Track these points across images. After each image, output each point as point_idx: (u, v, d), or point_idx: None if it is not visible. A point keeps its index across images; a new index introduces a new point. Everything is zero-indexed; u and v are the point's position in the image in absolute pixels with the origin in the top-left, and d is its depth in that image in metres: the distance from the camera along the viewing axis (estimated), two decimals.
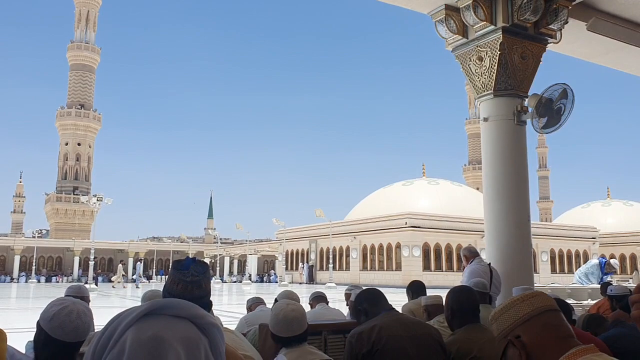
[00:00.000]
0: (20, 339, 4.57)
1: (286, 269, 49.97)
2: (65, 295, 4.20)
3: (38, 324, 2.16)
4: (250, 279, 51.90)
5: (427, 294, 4.90)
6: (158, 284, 52.00)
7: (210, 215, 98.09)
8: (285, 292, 4.09)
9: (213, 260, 57.35)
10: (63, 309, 2.12)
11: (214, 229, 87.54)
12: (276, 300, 4.07)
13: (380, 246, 42.13)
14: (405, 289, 5.50)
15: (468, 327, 2.97)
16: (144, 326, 0.88)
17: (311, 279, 46.18)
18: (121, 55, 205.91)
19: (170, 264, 1.57)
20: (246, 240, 60.20)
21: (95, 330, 3.30)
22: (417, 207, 43.28)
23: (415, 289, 5.33)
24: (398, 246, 40.41)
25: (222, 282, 46.43)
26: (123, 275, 40.74)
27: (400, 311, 4.45)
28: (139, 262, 49.69)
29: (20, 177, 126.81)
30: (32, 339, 4.41)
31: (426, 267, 39.73)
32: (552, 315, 1.28)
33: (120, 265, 43.86)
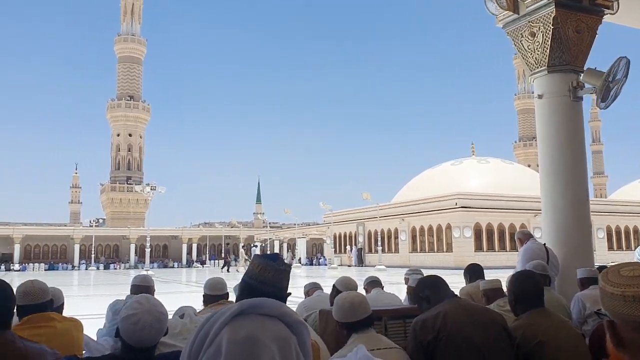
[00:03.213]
0: (88, 326, 4.78)
1: (335, 251, 50.25)
2: (131, 285, 4.38)
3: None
4: (300, 262, 52.50)
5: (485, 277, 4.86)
6: (212, 268, 53.30)
7: (258, 200, 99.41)
8: (343, 279, 4.12)
9: (263, 244, 58.27)
10: (132, 316, 2.11)
11: (263, 213, 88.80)
12: (334, 287, 4.13)
13: (430, 228, 41.75)
14: (457, 271, 5.47)
15: (532, 312, 2.93)
16: (238, 326, 0.93)
17: (360, 262, 46.31)
18: (162, 44, 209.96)
19: (252, 254, 1.52)
20: (294, 224, 60.82)
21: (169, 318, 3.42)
22: (467, 186, 42.62)
23: (473, 272, 5.28)
24: (448, 227, 39.95)
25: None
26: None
27: (458, 294, 4.44)
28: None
29: (76, 168, 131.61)
30: (101, 326, 4.60)
31: (478, 248, 39.16)
32: None
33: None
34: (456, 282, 5.47)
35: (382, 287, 5.16)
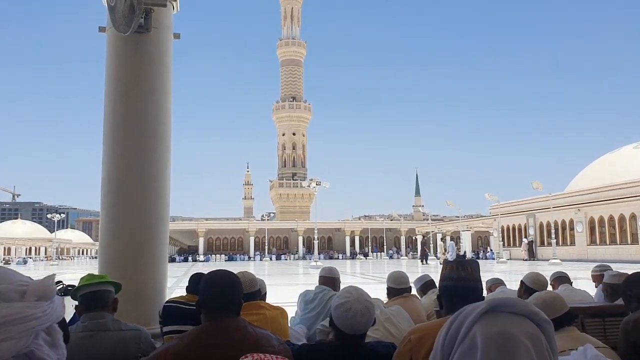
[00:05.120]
0: None
1: (503, 245, 48.03)
2: (319, 276, 4.66)
3: None
4: (465, 256, 51.09)
5: None
6: (375, 260, 54.17)
7: (417, 193, 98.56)
8: (532, 275, 3.97)
9: (425, 238, 57.68)
10: (344, 304, 2.26)
11: (422, 206, 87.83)
12: (522, 282, 4.00)
13: (611, 218, 38.02)
14: None
15: None
16: (489, 322, 0.98)
17: (532, 256, 43.71)
18: (319, 44, 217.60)
19: (448, 247, 1.66)
20: (457, 217, 59.33)
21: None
22: None
23: None
24: (633, 217, 36.05)
25: (437, 259, 46.56)
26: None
27: None
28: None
29: (247, 167, 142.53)
30: (292, 315, 4.93)
31: None
32: None
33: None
34: None
35: (571, 283, 4.88)
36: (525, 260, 42.52)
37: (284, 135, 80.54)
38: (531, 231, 45.67)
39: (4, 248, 76.42)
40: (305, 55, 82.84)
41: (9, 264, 56.03)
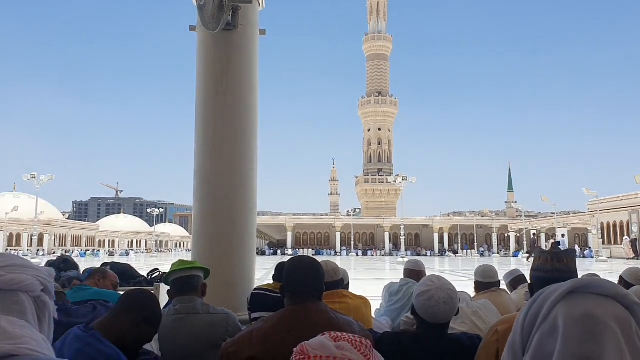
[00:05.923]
0: None
1: (602, 242, 45.19)
2: (404, 269, 4.62)
3: None
4: (560, 247, 48.51)
5: None
6: (464, 257, 52.83)
7: (510, 188, 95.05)
8: (633, 270, 3.73)
9: (518, 235, 55.47)
10: (426, 293, 2.23)
11: (515, 201, 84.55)
12: (621, 278, 3.76)
13: None
14: None
15: None
16: (572, 304, 0.93)
17: (636, 254, 40.78)
18: (407, 39, 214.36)
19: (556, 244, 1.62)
20: (552, 213, 56.51)
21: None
22: None
23: None
24: None
25: (533, 256, 44.61)
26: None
27: None
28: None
29: (333, 163, 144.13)
30: (376, 307, 4.92)
31: None
32: None
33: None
34: None
35: None
36: (629, 259, 39.75)
37: (369, 130, 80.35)
38: (634, 228, 42.63)
39: (109, 240, 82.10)
40: (392, 50, 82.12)
41: (113, 255, 60.03)
